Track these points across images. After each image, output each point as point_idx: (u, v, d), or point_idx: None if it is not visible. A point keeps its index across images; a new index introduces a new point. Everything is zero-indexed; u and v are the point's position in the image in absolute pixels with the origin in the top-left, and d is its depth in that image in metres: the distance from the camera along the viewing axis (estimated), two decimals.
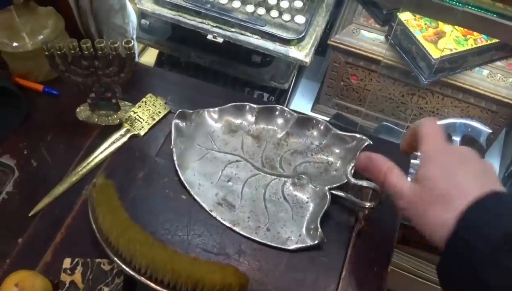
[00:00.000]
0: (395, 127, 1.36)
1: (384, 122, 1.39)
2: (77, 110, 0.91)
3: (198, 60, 1.22)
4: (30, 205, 0.81)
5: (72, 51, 0.80)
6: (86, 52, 0.80)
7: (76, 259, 0.74)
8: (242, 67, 1.21)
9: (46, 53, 0.81)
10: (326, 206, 0.80)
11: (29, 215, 0.80)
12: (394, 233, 0.83)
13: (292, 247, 0.78)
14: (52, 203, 0.82)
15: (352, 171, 0.81)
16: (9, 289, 0.67)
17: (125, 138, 0.88)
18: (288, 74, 1.21)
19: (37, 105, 0.93)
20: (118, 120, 0.89)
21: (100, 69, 0.83)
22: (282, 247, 0.78)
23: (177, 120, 0.88)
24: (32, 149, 0.87)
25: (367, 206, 0.81)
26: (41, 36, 0.90)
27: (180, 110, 0.87)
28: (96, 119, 0.90)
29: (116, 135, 0.88)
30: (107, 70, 0.83)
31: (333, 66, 1.35)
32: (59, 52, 0.80)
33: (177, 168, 0.83)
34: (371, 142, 0.87)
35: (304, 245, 0.78)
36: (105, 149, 0.86)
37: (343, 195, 0.83)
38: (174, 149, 0.84)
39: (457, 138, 1.25)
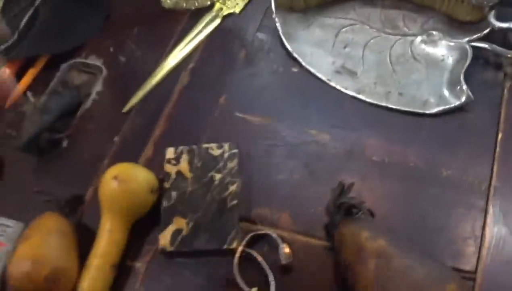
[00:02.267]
0: None
1: None
2: None
3: None
4: (122, 102, 0.72)
5: None
6: None
7: (181, 147, 0.64)
8: None
9: None
10: (468, 60, 0.65)
11: (123, 111, 0.71)
12: None
13: (433, 110, 0.64)
14: (146, 96, 0.73)
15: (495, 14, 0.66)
16: (108, 183, 0.58)
17: (219, 19, 0.77)
18: None
19: (117, 1, 0.83)
20: (209, 1, 0.78)
21: None
22: (422, 111, 0.64)
23: None
24: (118, 45, 0.79)
25: None
26: None
27: None
28: (184, 4, 0.79)
29: (209, 16, 0.77)
30: None
31: None
32: None
33: (283, 39, 0.71)
34: None
35: (447, 106, 0.64)
36: (198, 33, 0.76)
37: (487, 46, 0.67)
38: (276, 19, 0.72)
39: None
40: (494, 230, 0.57)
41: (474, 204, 0.59)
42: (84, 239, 0.58)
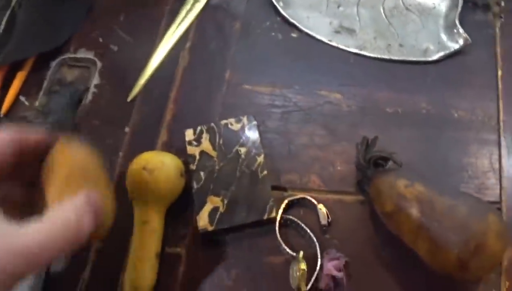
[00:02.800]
0: None
1: None
2: None
3: None
4: (125, 92, 0.71)
5: None
6: None
7: (199, 127, 0.65)
8: None
9: None
10: (460, 5, 0.68)
11: (128, 100, 0.70)
12: None
13: (435, 57, 0.67)
14: (148, 82, 0.72)
15: None
16: (138, 174, 0.58)
17: None
18: None
19: None
20: None
21: None
22: (424, 59, 0.67)
23: None
24: (107, 34, 0.77)
25: None
26: None
27: None
28: None
29: None
30: None
31: None
32: None
33: (277, 6, 0.72)
34: None
35: (448, 51, 0.67)
36: (188, 11, 0.75)
37: None
38: None
39: None
40: (510, 160, 0.61)
41: (487, 139, 0.62)
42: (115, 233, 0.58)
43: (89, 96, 0.71)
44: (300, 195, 0.60)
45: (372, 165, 0.58)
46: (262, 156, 0.61)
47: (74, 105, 0.71)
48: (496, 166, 0.61)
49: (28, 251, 0.32)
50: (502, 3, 0.71)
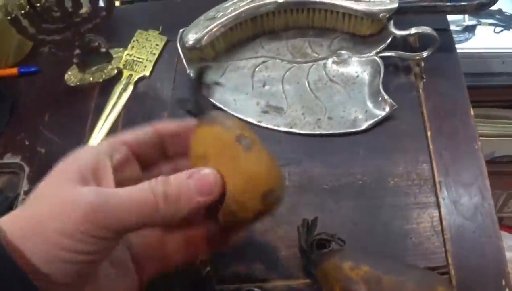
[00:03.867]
0: None
1: None
2: (66, 77, 0.78)
3: None
4: None
5: (38, 4, 0.66)
6: None
7: None
8: None
9: (9, 18, 0.67)
10: (382, 72, 0.69)
11: None
12: (461, 76, 0.72)
13: (364, 126, 0.67)
14: None
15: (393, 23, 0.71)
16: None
17: (131, 85, 0.75)
18: None
19: (19, 90, 0.80)
20: (116, 70, 0.77)
21: (75, 14, 0.69)
22: (354, 130, 0.67)
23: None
24: (33, 136, 0.74)
25: (424, 56, 0.71)
26: None
27: (181, 30, 0.74)
28: (91, 79, 0.77)
29: (120, 85, 0.75)
30: (84, 11, 0.69)
31: None
32: (23, 12, 0.67)
33: (203, 92, 0.71)
34: None
35: (376, 119, 0.67)
36: (114, 104, 0.74)
37: (393, 54, 0.72)
38: (191, 74, 0.72)
39: None
40: (450, 221, 0.61)
41: (426, 203, 0.62)
42: None
43: (19, 205, 0.68)
44: (246, 287, 0.58)
45: (315, 247, 0.56)
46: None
47: (3, 215, 0.68)
48: (438, 228, 0.61)
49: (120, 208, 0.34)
50: (422, 64, 0.72)
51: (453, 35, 0.76)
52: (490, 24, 1.07)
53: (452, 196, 0.63)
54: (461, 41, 1.04)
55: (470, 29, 1.05)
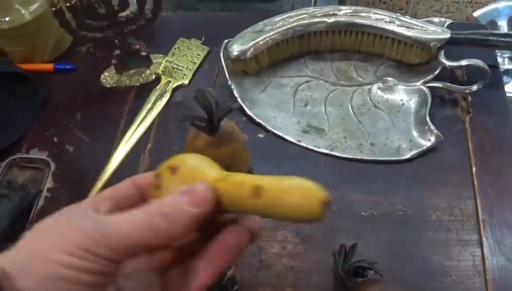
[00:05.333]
0: None
1: None
2: (102, 78, 0.76)
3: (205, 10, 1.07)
4: (81, 196, 0.65)
5: None
6: None
7: None
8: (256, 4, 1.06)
9: (54, 9, 0.65)
10: (429, 102, 0.67)
11: None
12: (508, 113, 0.70)
13: (408, 155, 0.65)
14: (106, 186, 0.66)
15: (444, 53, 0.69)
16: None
17: (168, 93, 0.73)
18: None
19: (53, 86, 0.78)
20: (154, 75, 0.75)
21: (119, 14, 0.68)
22: (397, 158, 0.64)
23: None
24: (62, 133, 0.72)
25: (474, 89, 0.68)
26: (37, 3, 0.74)
27: (226, 40, 0.73)
28: (128, 82, 0.75)
29: (157, 91, 0.73)
30: (129, 12, 0.68)
31: None
32: (68, 4, 0.65)
33: (243, 105, 0.69)
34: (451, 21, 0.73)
35: (420, 149, 0.65)
36: (149, 110, 0.72)
37: (441, 85, 0.70)
38: (232, 86, 0.70)
39: (503, 23, 1.12)
40: (493, 261, 0.58)
41: (468, 240, 0.59)
42: None
43: (41, 201, 0.66)
44: None
45: (352, 275, 0.53)
46: (232, 268, 0.56)
47: (23, 210, 0.65)
48: (480, 268, 0.58)
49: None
50: (470, 98, 0.70)
51: (503, 82, 0.74)
52: None
53: (496, 236, 0.60)
54: None
55: (510, 73, 1.03)
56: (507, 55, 1.05)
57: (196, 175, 0.40)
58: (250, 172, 0.62)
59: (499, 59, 1.04)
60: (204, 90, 0.52)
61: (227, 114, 0.54)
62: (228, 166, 0.46)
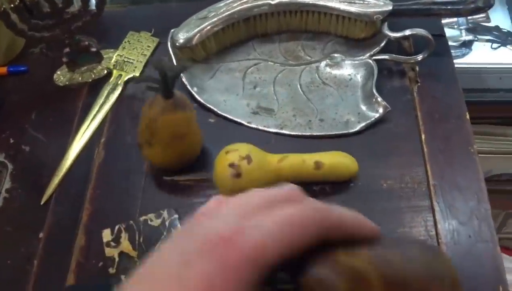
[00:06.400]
0: None
1: None
2: (54, 77, 0.77)
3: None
4: (39, 194, 0.67)
5: None
6: None
7: (117, 226, 0.60)
8: None
9: None
10: (375, 74, 0.68)
11: (41, 203, 0.65)
12: (456, 80, 0.71)
13: (356, 128, 0.65)
14: (63, 181, 0.67)
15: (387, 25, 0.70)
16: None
17: (120, 86, 0.74)
18: None
19: (7, 88, 0.78)
20: (106, 70, 0.75)
21: (64, 11, 0.68)
22: (346, 132, 0.65)
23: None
24: (18, 134, 0.73)
25: (419, 59, 0.69)
26: None
27: (173, 30, 0.73)
28: (80, 78, 0.75)
29: (109, 86, 0.74)
30: (74, 10, 0.68)
31: None
32: (12, 6, 0.65)
33: (193, 92, 0.70)
34: None
35: (368, 121, 0.65)
36: (102, 104, 0.72)
37: (387, 57, 0.70)
38: (181, 73, 0.70)
39: None
40: (445, 225, 0.59)
41: (420, 206, 0.60)
42: None
43: (0, 202, 0.66)
44: None
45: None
46: None
47: None
48: (433, 232, 0.59)
49: None
50: (417, 68, 0.71)
51: (450, 51, 0.75)
52: (487, 40, 1.06)
53: (447, 200, 0.61)
54: (457, 57, 1.03)
55: (467, 44, 1.04)
56: (464, 27, 1.06)
57: (265, 160, 0.57)
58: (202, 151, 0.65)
59: (456, 32, 1.05)
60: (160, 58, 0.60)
61: (181, 72, 0.56)
62: (183, 134, 0.58)
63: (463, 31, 1.06)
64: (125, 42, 0.78)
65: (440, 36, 0.74)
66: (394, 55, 0.70)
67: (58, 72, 0.77)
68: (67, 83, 0.76)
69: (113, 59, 0.76)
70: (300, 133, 0.66)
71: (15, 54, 0.82)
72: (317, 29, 0.74)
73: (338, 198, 0.61)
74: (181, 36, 0.69)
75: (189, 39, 0.69)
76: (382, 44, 0.70)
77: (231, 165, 0.54)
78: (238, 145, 0.57)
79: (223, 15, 0.70)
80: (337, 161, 0.60)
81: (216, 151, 0.64)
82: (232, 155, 0.55)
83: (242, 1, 0.71)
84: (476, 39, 1.06)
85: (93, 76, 0.75)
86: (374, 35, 0.72)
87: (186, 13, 0.75)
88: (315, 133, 0.65)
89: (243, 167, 0.54)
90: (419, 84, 0.70)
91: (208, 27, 0.70)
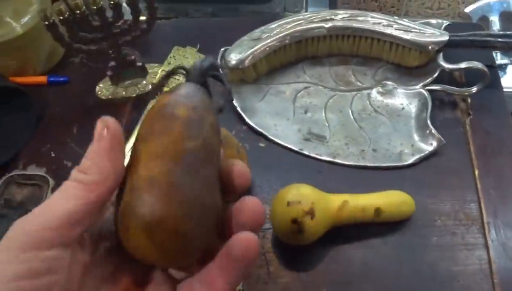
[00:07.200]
0: None
1: None
2: (97, 90, 0.75)
3: (196, 14, 1.06)
4: None
5: (78, 11, 0.64)
6: (94, 7, 0.64)
7: None
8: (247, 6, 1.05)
9: (46, 23, 0.64)
10: (429, 105, 0.67)
11: None
12: (507, 114, 0.70)
13: (410, 161, 0.64)
14: None
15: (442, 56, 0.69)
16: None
17: None
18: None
19: (47, 100, 0.77)
20: (150, 86, 0.74)
21: (114, 25, 0.67)
22: (399, 164, 0.64)
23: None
24: (59, 148, 0.71)
25: (474, 91, 0.68)
26: (28, 16, 0.73)
27: (223, 49, 0.72)
28: (124, 93, 0.74)
29: (154, 102, 0.72)
30: (123, 24, 0.67)
31: None
32: (61, 18, 0.64)
33: (242, 114, 0.68)
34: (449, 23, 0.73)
35: (423, 154, 0.65)
36: None
37: (440, 88, 0.69)
38: (232, 95, 0.69)
39: (494, 18, 1.13)
40: (500, 264, 0.58)
41: (474, 244, 0.60)
42: None
43: None
44: None
45: None
46: (241, 283, 0.56)
47: None
48: (487, 271, 0.58)
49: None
50: (469, 100, 0.70)
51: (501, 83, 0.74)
52: None
53: (501, 238, 0.60)
54: None
55: (503, 68, 1.03)
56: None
57: (326, 208, 0.55)
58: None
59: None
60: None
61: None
62: None
63: (498, 54, 1.05)
64: (170, 57, 0.77)
65: (491, 67, 0.73)
66: (447, 86, 0.69)
67: (101, 85, 0.75)
68: (110, 97, 0.74)
69: (158, 75, 0.74)
70: (353, 163, 0.65)
71: (54, 63, 0.80)
72: (368, 54, 0.73)
73: (391, 231, 0.60)
74: (234, 57, 0.68)
75: (242, 60, 0.68)
76: (435, 75, 0.69)
77: (294, 221, 0.53)
78: (300, 194, 0.54)
79: (277, 37, 0.69)
80: (396, 208, 0.59)
81: (265, 178, 0.63)
82: (295, 210, 0.53)
83: (296, 23, 0.69)
84: (511, 62, 1.05)
85: (137, 91, 0.74)
86: (427, 65, 0.70)
87: (228, 28, 0.75)
88: (368, 164, 0.64)
89: (306, 223, 0.53)
90: (471, 116, 0.69)
91: (261, 49, 0.68)
